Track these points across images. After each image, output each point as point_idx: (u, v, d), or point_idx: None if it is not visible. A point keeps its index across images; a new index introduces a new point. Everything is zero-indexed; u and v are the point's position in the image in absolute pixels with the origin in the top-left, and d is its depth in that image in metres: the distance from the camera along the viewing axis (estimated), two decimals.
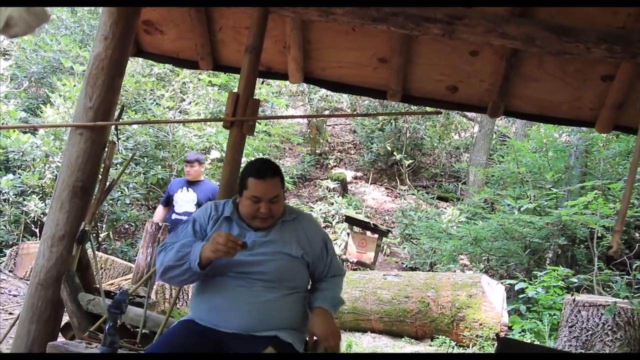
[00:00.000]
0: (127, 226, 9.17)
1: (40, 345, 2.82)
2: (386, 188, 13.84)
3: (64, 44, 10.01)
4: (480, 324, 6.46)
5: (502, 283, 7.23)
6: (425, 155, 15.01)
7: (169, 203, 6.04)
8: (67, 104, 8.56)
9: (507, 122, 14.86)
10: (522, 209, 8.62)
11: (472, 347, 6.32)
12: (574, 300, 5.85)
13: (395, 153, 13.56)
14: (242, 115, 2.86)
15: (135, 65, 9.59)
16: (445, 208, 12.21)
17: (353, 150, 15.37)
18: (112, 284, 5.77)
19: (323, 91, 13.45)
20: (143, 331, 2.73)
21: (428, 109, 3.83)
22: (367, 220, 9.85)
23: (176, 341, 2.15)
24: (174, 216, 5.89)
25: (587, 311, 5.69)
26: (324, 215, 11.43)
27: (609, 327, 5.53)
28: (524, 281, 7.13)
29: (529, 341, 6.08)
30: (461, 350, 6.23)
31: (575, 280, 6.90)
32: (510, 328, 6.59)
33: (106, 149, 3.03)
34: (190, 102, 9.82)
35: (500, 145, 12.88)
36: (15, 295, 5.92)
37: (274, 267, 2.25)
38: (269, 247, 2.29)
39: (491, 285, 6.84)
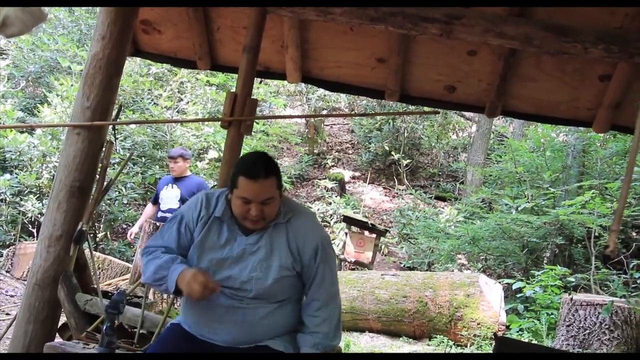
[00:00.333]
0: (124, 226, 9.15)
1: (37, 345, 2.82)
2: (384, 188, 13.85)
3: (61, 44, 9.99)
4: (478, 324, 6.47)
5: (499, 282, 7.24)
6: (423, 155, 15.02)
7: (157, 201, 5.97)
8: (65, 104, 8.55)
9: (505, 122, 14.88)
10: (519, 209, 8.63)
11: (470, 346, 6.33)
12: (571, 299, 5.86)
13: (393, 153, 13.57)
14: (239, 115, 2.86)
15: (133, 64, 9.59)
16: (443, 208, 12.22)
17: (351, 150, 15.38)
18: (109, 284, 5.77)
19: (321, 91, 13.45)
20: (141, 331, 2.73)
21: (426, 108, 3.83)
22: (365, 220, 9.86)
23: (167, 348, 2.12)
24: (159, 214, 5.81)
25: (584, 310, 5.70)
26: (321, 215, 11.43)
27: (607, 326, 5.54)
28: (522, 280, 7.14)
29: (526, 340, 6.09)
30: (459, 350, 6.24)
31: (573, 280, 6.91)
32: (508, 327, 6.60)
33: (104, 149, 3.03)
34: (188, 102, 9.82)
35: (497, 145, 12.90)
36: (12, 296, 5.91)
37: (263, 284, 2.11)
38: (258, 255, 2.13)
39: (489, 285, 6.85)
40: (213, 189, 2.62)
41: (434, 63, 3.40)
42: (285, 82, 3.92)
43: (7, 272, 6.66)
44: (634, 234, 8.73)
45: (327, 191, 12.46)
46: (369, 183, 13.71)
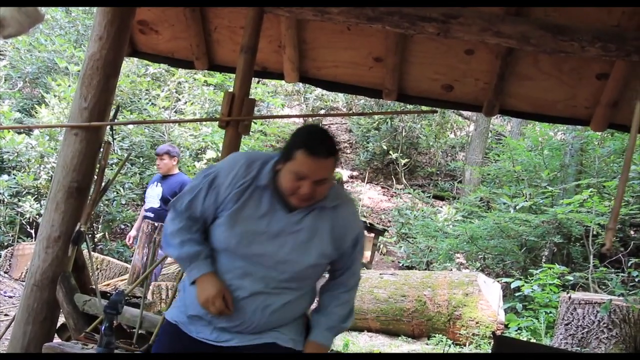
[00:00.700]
0: (123, 227, 9.15)
1: (36, 346, 2.82)
2: (382, 187, 13.85)
3: (58, 44, 9.98)
4: (477, 323, 6.47)
5: (498, 281, 7.25)
6: (421, 154, 15.03)
7: None
8: (62, 105, 8.54)
9: (503, 121, 14.89)
10: (517, 208, 8.64)
11: (469, 345, 6.33)
12: (569, 298, 5.87)
13: (391, 152, 13.57)
14: (237, 115, 2.86)
15: (130, 65, 9.58)
16: (441, 207, 12.23)
17: (349, 150, 15.38)
18: (108, 284, 5.76)
19: (319, 90, 13.45)
20: (139, 332, 2.73)
21: (424, 108, 3.83)
22: (363, 219, 9.86)
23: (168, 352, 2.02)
24: (143, 213, 5.73)
25: (582, 309, 5.71)
26: None
27: (605, 325, 5.55)
28: (520, 279, 7.15)
29: (525, 339, 6.10)
30: (458, 349, 6.25)
31: (571, 278, 6.92)
32: (506, 326, 6.61)
33: (101, 150, 3.03)
34: (185, 102, 9.81)
35: (495, 144, 12.92)
36: (10, 297, 5.90)
37: (298, 267, 1.97)
38: (299, 237, 1.96)
39: (487, 284, 6.85)
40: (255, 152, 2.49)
41: (431, 62, 3.41)
42: (283, 82, 3.92)
43: (5, 273, 6.66)
44: (632, 232, 8.75)
45: None
46: (367, 182, 13.72)
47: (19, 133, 8.10)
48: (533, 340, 6.16)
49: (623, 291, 6.39)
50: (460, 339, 6.44)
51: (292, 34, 3.37)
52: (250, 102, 2.90)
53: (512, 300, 7.11)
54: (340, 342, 5.68)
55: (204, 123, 9.45)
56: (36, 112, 8.83)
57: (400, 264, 10.56)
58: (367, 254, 8.88)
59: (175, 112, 9.73)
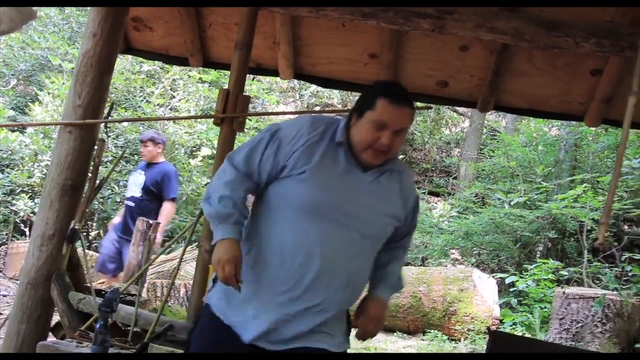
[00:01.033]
0: None
1: (30, 344, 2.81)
2: None
3: (52, 42, 9.93)
4: (472, 318, 6.50)
5: (493, 277, 7.27)
6: (416, 151, 15.03)
7: None
8: (56, 102, 8.50)
9: (498, 117, 14.91)
10: (512, 203, 8.67)
11: (464, 340, 6.36)
12: (564, 292, 5.90)
13: None
14: (232, 112, 2.85)
15: (124, 62, 9.54)
16: (436, 203, 12.25)
17: None
18: (102, 282, 5.75)
19: (314, 87, 13.43)
20: (134, 329, 2.72)
21: (418, 104, 3.83)
22: None
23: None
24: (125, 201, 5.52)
25: (577, 303, 5.74)
26: None
27: (599, 319, 5.58)
28: (515, 275, 7.18)
29: (520, 334, 6.12)
30: (453, 344, 6.26)
31: (565, 273, 6.95)
32: (501, 321, 6.63)
33: (96, 147, 3.02)
34: (180, 99, 9.78)
35: (490, 140, 12.94)
36: (5, 295, 5.89)
37: (377, 229, 1.91)
38: (375, 198, 1.90)
39: (482, 279, 6.88)
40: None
41: (426, 58, 3.41)
42: (278, 79, 3.92)
43: None
44: (625, 227, 8.79)
45: None
46: None
47: (13, 131, 8.06)
48: (528, 335, 6.19)
49: (617, 286, 6.43)
50: (456, 335, 6.46)
51: (287, 30, 3.36)
52: (244, 99, 2.90)
53: (507, 296, 7.14)
54: None
55: (199, 120, 9.42)
56: (30, 110, 8.79)
57: None
58: None
59: (170, 109, 9.71)
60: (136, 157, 8.88)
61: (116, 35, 2.99)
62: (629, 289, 6.33)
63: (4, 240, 7.61)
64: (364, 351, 5.59)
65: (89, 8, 3.03)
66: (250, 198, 1.97)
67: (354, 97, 14.62)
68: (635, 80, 1.62)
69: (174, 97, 9.83)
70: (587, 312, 5.64)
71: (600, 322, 5.58)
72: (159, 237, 5.16)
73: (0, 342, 3.28)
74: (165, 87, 9.60)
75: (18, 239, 7.53)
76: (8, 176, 7.76)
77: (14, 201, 7.69)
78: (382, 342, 6.21)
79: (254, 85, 10.88)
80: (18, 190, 7.85)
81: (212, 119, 3.06)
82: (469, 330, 6.43)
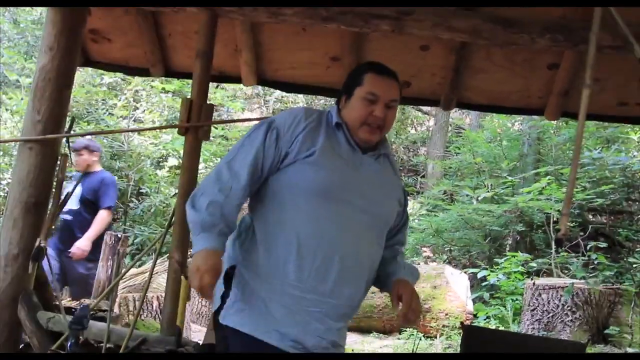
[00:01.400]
0: None
1: None
2: None
3: (7, 57, 9.71)
4: (446, 314, 6.57)
5: (465, 272, 7.37)
6: None
7: None
8: (15, 118, 8.33)
9: (462, 114, 15.13)
10: (480, 199, 8.80)
11: (440, 337, 6.42)
12: (534, 284, 6.02)
13: None
14: (196, 121, 2.83)
15: (84, 75, 9.39)
16: None
17: None
18: (72, 300, 5.63)
19: (278, 92, 13.42)
20: (107, 345, 2.68)
21: None
22: None
23: None
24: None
25: (547, 294, 5.86)
26: None
27: (569, 308, 5.71)
28: (486, 269, 7.30)
29: (493, 327, 6.21)
30: (429, 342, 6.32)
31: (535, 265, 7.09)
32: (475, 316, 6.72)
33: (58, 163, 2.96)
34: (144, 110, 9.67)
35: (456, 137, 13.13)
36: None
37: (385, 212, 1.89)
38: (379, 179, 1.90)
39: (454, 275, 6.96)
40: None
41: (387, 59, 3.39)
42: (242, 86, 3.91)
43: None
44: (590, 216, 9.01)
45: None
46: None
47: None
48: (501, 328, 6.29)
49: (584, 274, 6.58)
50: (431, 332, 6.52)
51: (248, 37, 3.35)
52: (208, 108, 2.88)
53: (479, 290, 7.25)
54: None
55: (164, 130, 9.33)
56: None
57: None
58: None
59: (134, 120, 9.59)
60: None
61: (74, 48, 2.94)
62: (595, 276, 6.50)
63: None
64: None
65: (44, 21, 2.97)
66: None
67: (318, 100, 14.66)
68: (588, 73, 1.67)
69: (137, 108, 9.72)
70: (557, 302, 5.76)
71: (570, 311, 5.70)
72: (86, 246, 4.93)
73: None
74: (128, 98, 9.47)
75: None
76: None
77: None
78: (359, 343, 6.23)
79: (218, 93, 10.81)
80: None
81: (177, 129, 3.03)
82: (444, 326, 6.49)
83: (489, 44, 2.89)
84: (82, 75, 9.29)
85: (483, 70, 3.38)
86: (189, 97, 2.90)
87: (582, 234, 7.96)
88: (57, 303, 2.97)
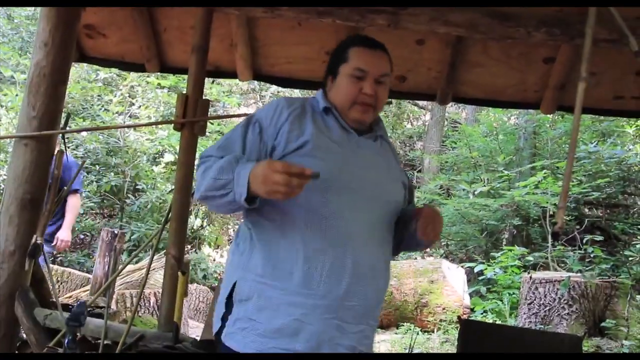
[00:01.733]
0: (82, 236, 8.94)
1: None
2: None
3: (2, 52, 9.66)
4: (443, 309, 6.59)
5: (461, 266, 7.39)
6: None
7: None
8: (10, 115, 8.29)
9: (458, 109, 15.14)
10: (476, 193, 8.82)
11: (437, 332, 6.44)
12: (530, 277, 6.03)
13: None
14: (192, 117, 2.82)
15: (80, 70, 9.35)
16: None
17: None
18: (70, 296, 5.63)
19: (274, 87, 13.40)
20: (105, 342, 2.67)
21: None
22: None
23: None
24: None
25: (543, 287, 5.88)
26: None
27: (565, 301, 5.72)
28: (483, 263, 7.32)
29: (490, 321, 6.23)
30: (426, 336, 6.34)
31: (531, 259, 7.11)
32: (472, 310, 6.75)
33: (54, 159, 2.95)
34: (140, 106, 9.64)
35: (452, 132, 13.13)
36: None
37: (393, 195, 1.70)
38: (380, 160, 1.72)
39: (451, 270, 6.98)
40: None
41: None
42: (238, 81, 3.90)
43: None
44: (586, 210, 9.03)
45: None
46: None
47: None
48: (498, 322, 6.31)
49: (580, 268, 6.61)
50: (428, 326, 6.54)
51: (243, 32, 3.34)
52: (204, 103, 2.87)
53: (476, 284, 7.27)
54: None
55: (160, 126, 9.31)
56: None
57: None
58: None
59: (130, 116, 9.56)
60: (97, 167, 8.72)
61: (69, 43, 2.93)
62: (592, 270, 6.52)
63: None
64: None
65: (38, 17, 2.95)
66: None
67: (314, 95, 14.65)
68: (583, 66, 1.67)
69: (133, 104, 9.68)
70: (554, 295, 5.78)
71: (566, 304, 5.72)
72: (68, 236, 4.86)
73: None
74: (124, 94, 9.44)
75: None
76: None
77: None
78: None
79: (214, 89, 10.79)
80: None
81: (173, 125, 3.02)
82: (441, 320, 6.51)
83: (485, 38, 2.89)
84: (78, 71, 9.26)
85: (479, 64, 3.38)
86: (184, 92, 2.89)
87: (578, 227, 7.99)
88: (54, 300, 2.96)
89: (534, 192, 7.62)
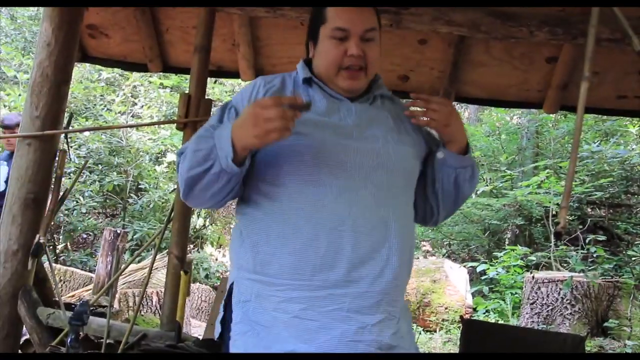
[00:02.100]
0: (85, 236, 8.97)
1: None
2: None
3: (5, 53, 9.69)
4: (446, 308, 6.59)
5: (464, 266, 7.39)
6: None
7: None
8: None
9: (460, 108, 15.10)
10: (479, 192, 8.81)
11: (439, 331, 6.43)
12: (533, 277, 6.02)
13: None
14: (194, 116, 2.83)
15: (82, 70, 9.38)
16: None
17: None
18: (72, 295, 5.64)
19: None
20: (107, 341, 2.68)
21: None
22: None
23: None
24: None
25: (546, 287, 5.87)
26: None
27: (568, 301, 5.72)
28: (485, 263, 7.31)
29: (493, 321, 6.23)
30: (428, 335, 6.34)
31: (534, 258, 7.10)
32: (474, 309, 6.74)
33: (57, 158, 2.96)
34: (142, 106, 9.67)
35: None
36: None
37: (403, 161, 1.45)
38: (385, 124, 1.49)
39: (454, 269, 6.98)
40: None
41: (386, 53, 3.43)
42: (240, 81, 3.91)
43: None
44: (589, 210, 9.02)
45: None
46: None
47: None
48: (500, 322, 6.30)
49: (583, 267, 6.60)
50: (431, 326, 6.54)
51: (246, 31, 3.34)
52: (207, 103, 2.88)
53: (479, 284, 7.26)
54: None
55: (163, 126, 9.33)
56: None
57: None
58: None
59: (132, 116, 9.58)
60: (100, 167, 8.74)
61: (71, 43, 2.94)
62: (594, 269, 6.51)
63: None
64: None
65: (41, 17, 2.96)
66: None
67: None
68: (586, 66, 1.67)
69: (135, 104, 9.71)
70: (557, 295, 5.77)
71: (569, 304, 5.72)
72: None
73: None
74: (126, 94, 9.46)
75: None
76: None
77: None
78: None
79: (216, 89, 10.81)
80: None
81: (175, 124, 3.03)
82: (443, 320, 6.51)
83: (487, 37, 2.89)
84: (80, 70, 9.28)
85: (482, 63, 3.38)
86: (187, 92, 2.90)
87: (581, 227, 7.97)
88: (57, 299, 2.97)
89: (536, 191, 7.61)
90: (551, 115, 8.56)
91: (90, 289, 5.64)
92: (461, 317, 3.28)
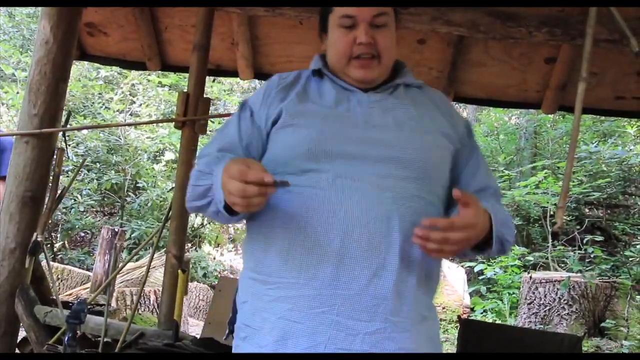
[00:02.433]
0: (82, 234, 8.96)
1: None
2: None
3: (3, 50, 9.67)
4: (443, 308, 6.59)
5: (462, 266, 7.39)
6: None
7: None
8: (11, 112, 8.30)
9: (459, 108, 15.13)
10: None
11: None
12: (530, 277, 6.03)
13: None
14: (193, 115, 2.83)
15: (81, 68, 9.36)
16: None
17: None
18: (70, 294, 5.64)
19: None
20: (105, 340, 2.68)
21: None
22: None
23: None
24: None
25: (544, 287, 5.88)
26: None
27: (565, 301, 5.73)
28: (483, 263, 7.31)
29: (490, 321, 6.24)
30: None
31: (532, 258, 7.12)
32: (472, 309, 6.75)
33: (55, 156, 2.95)
34: (140, 104, 9.65)
35: None
36: None
37: (420, 151, 1.30)
38: (403, 112, 1.37)
39: (451, 269, 6.98)
40: None
41: None
42: (239, 80, 3.90)
43: None
44: (586, 210, 9.03)
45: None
46: None
47: None
48: (498, 322, 6.31)
49: (580, 268, 6.61)
50: None
51: (245, 30, 3.34)
52: (205, 101, 2.87)
53: (477, 284, 7.27)
54: None
55: (161, 124, 9.32)
56: None
57: None
58: None
59: (131, 114, 9.57)
60: (98, 165, 8.73)
61: (70, 41, 2.93)
62: (592, 270, 6.53)
63: None
64: None
65: (39, 15, 2.96)
66: None
67: None
68: (584, 66, 1.67)
69: (133, 102, 9.70)
70: (554, 295, 5.78)
71: (566, 304, 5.73)
72: None
73: None
74: (125, 92, 9.45)
75: None
76: None
77: None
78: None
79: (215, 87, 10.80)
80: None
81: (174, 123, 3.02)
82: (441, 320, 6.52)
83: (486, 37, 2.89)
84: (78, 68, 9.27)
85: (481, 63, 3.38)
86: (185, 90, 2.90)
87: (578, 227, 7.99)
88: (55, 297, 2.97)
89: (534, 192, 7.62)
90: (549, 115, 8.57)
91: (87, 288, 5.63)
92: (459, 317, 3.29)
